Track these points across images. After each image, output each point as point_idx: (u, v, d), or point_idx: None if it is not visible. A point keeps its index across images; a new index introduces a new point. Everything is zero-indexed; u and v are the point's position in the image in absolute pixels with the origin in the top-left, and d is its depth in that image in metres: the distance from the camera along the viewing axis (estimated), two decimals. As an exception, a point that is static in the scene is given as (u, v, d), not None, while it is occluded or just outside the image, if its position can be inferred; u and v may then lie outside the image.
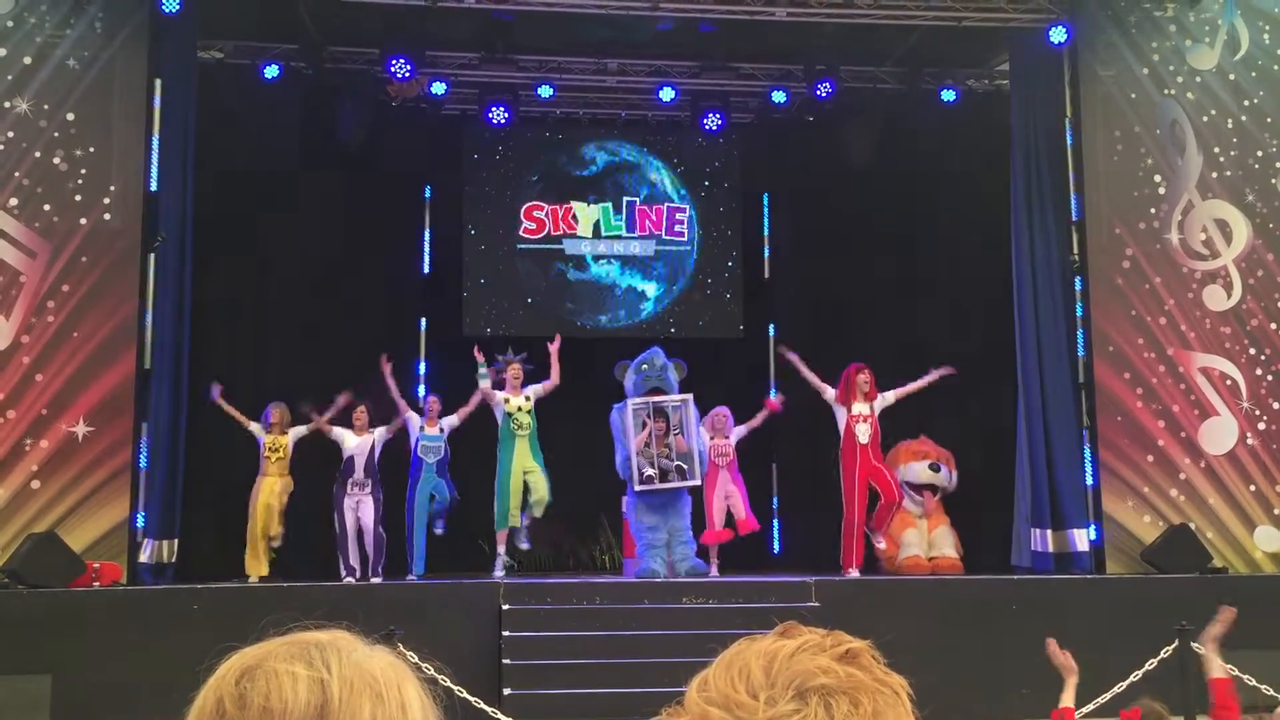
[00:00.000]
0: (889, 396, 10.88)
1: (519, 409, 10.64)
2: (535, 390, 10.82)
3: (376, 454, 10.68)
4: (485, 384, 10.72)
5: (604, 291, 14.00)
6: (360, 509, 10.53)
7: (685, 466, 10.74)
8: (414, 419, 10.88)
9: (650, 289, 14.08)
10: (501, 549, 10.70)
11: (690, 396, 10.96)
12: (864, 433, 10.73)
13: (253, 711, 1.06)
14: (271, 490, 10.66)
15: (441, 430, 10.92)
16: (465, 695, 7.88)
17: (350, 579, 10.36)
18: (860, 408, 10.74)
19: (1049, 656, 4.86)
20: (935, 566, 11.31)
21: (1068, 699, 4.67)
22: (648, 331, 13.88)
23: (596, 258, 13.97)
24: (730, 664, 1.08)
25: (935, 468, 11.74)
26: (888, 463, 11.24)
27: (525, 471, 10.61)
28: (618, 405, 10.98)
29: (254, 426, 10.84)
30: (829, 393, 10.87)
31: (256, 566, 10.63)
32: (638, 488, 10.70)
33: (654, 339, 13.47)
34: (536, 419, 10.76)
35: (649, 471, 10.67)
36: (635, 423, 10.72)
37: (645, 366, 11.01)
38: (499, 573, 10.46)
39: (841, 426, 10.83)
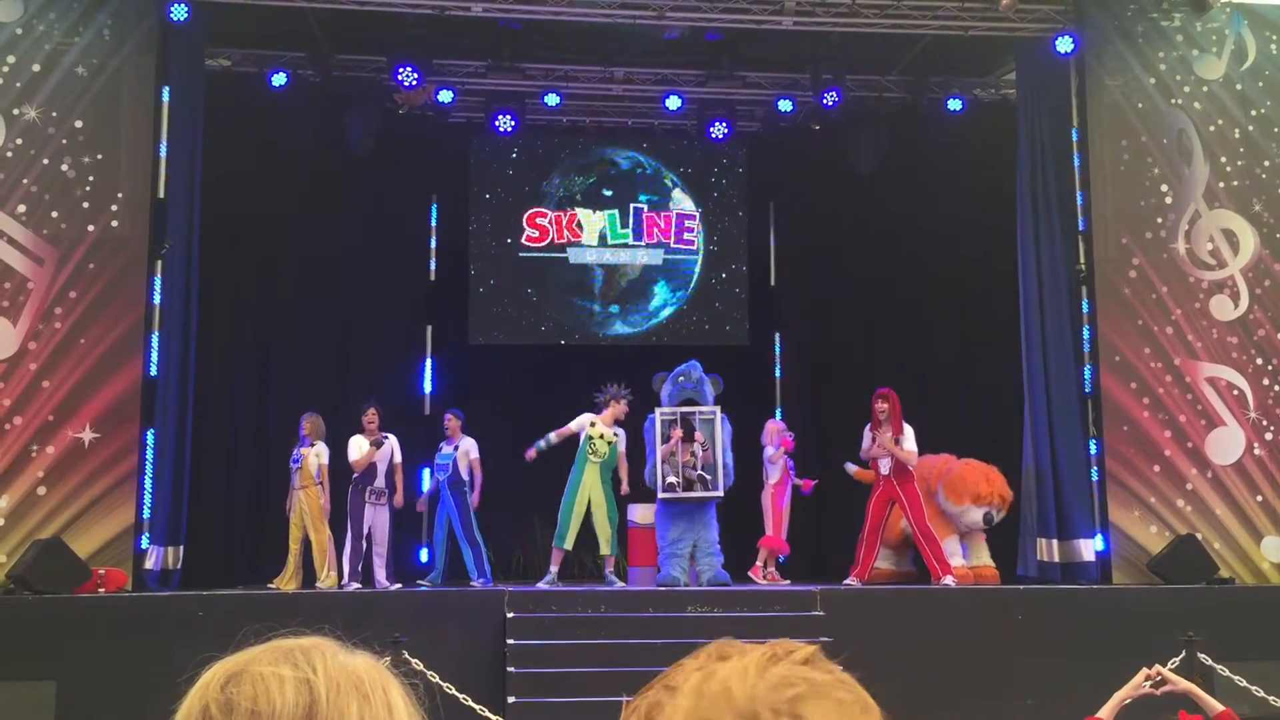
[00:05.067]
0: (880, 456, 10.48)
1: (600, 436, 10.57)
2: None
3: (398, 462, 10.72)
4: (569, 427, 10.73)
5: (608, 299, 13.99)
6: (375, 518, 10.53)
7: (709, 478, 10.78)
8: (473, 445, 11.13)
9: (656, 297, 14.07)
10: (554, 568, 10.62)
11: (718, 409, 10.98)
12: (884, 464, 10.45)
13: (241, 715, 1.05)
14: (299, 506, 10.60)
15: (455, 448, 11.00)
16: (470, 703, 7.88)
17: (355, 584, 10.35)
18: (881, 437, 10.38)
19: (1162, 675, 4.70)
20: (979, 576, 11.06)
21: (1106, 710, 4.53)
22: (653, 339, 13.89)
23: (602, 265, 13.97)
24: (702, 693, 1.03)
25: (989, 519, 11.11)
26: (949, 484, 10.97)
27: (591, 502, 10.52)
28: (651, 415, 11.02)
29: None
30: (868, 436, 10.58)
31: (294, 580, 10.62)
32: (661, 495, 10.73)
33: (659, 347, 13.50)
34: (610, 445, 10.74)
35: (672, 479, 10.70)
36: (663, 432, 10.77)
37: (682, 378, 11.06)
38: (542, 584, 10.37)
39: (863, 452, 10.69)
